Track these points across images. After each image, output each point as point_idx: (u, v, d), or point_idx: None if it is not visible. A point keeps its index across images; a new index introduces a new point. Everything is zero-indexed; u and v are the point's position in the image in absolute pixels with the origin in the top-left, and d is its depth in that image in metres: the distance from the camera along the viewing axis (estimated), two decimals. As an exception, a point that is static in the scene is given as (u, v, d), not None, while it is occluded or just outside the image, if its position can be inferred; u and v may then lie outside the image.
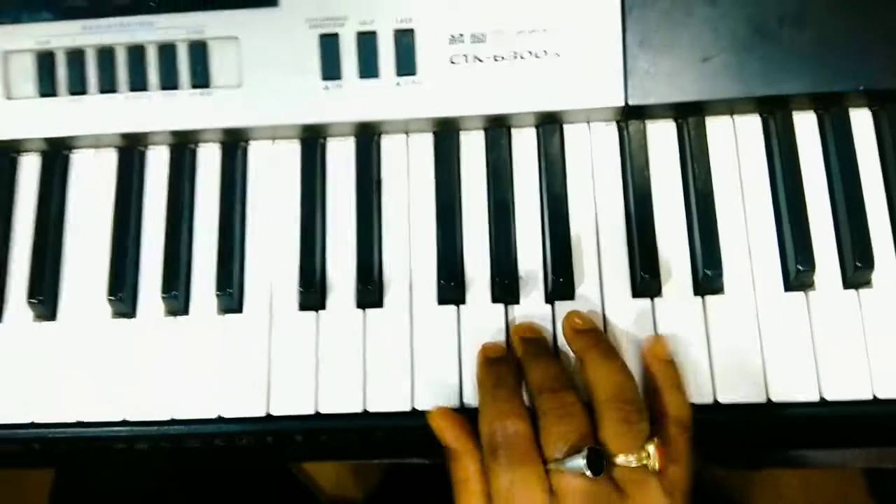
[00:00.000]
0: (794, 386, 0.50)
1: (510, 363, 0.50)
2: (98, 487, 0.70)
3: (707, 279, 0.51)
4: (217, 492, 0.73)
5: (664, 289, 0.52)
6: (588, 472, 0.43)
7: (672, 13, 0.53)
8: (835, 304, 0.51)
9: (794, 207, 0.52)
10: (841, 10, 0.52)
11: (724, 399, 0.50)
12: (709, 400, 0.50)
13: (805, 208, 0.52)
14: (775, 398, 0.50)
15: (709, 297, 0.52)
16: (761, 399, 0.50)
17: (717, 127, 0.55)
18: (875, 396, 0.49)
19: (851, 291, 0.51)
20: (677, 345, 0.51)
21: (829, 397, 0.50)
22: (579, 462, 0.43)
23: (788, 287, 0.52)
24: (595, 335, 0.50)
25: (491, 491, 0.45)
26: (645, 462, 0.44)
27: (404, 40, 0.54)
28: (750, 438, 0.52)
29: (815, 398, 0.50)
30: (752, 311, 0.51)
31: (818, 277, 0.52)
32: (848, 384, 0.50)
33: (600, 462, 0.43)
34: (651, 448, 0.45)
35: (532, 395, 0.48)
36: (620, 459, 0.44)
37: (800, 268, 0.51)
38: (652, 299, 0.52)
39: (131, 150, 0.57)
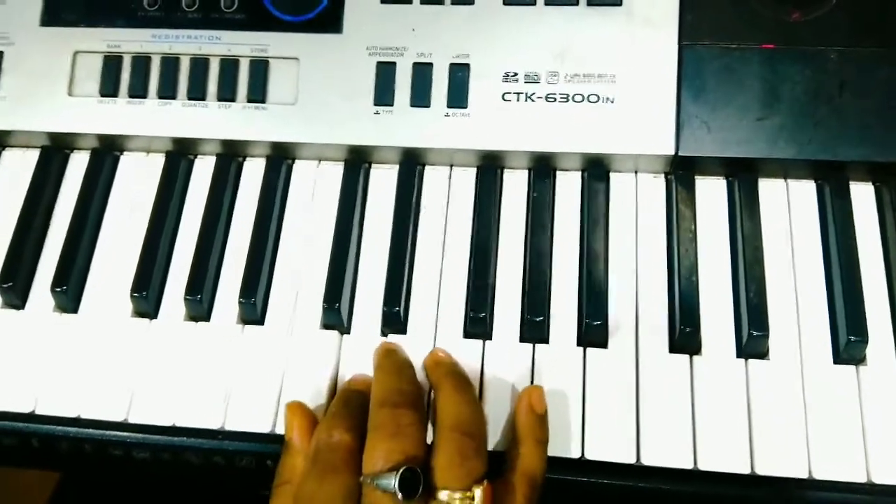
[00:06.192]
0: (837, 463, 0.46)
1: (366, 398, 0.47)
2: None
3: (753, 340, 0.48)
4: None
5: (704, 348, 0.50)
6: (398, 494, 0.40)
7: (729, 70, 0.52)
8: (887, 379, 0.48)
9: (849, 279, 0.50)
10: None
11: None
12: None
13: (860, 281, 0.50)
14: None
15: (752, 361, 0.49)
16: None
17: (769, 189, 0.53)
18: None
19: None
20: (716, 402, 0.48)
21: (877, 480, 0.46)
22: (390, 481, 0.40)
23: (838, 359, 0.49)
24: (453, 366, 0.48)
25: (297, 493, 0.43)
26: None
27: (459, 74, 0.54)
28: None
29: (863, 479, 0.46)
30: (797, 379, 0.48)
31: (870, 351, 0.48)
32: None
33: (414, 485, 0.40)
34: (478, 491, 0.41)
35: (371, 411, 0.45)
36: (443, 494, 0.41)
37: (851, 338, 0.48)
38: (691, 357, 0.49)
39: (179, 157, 0.57)
